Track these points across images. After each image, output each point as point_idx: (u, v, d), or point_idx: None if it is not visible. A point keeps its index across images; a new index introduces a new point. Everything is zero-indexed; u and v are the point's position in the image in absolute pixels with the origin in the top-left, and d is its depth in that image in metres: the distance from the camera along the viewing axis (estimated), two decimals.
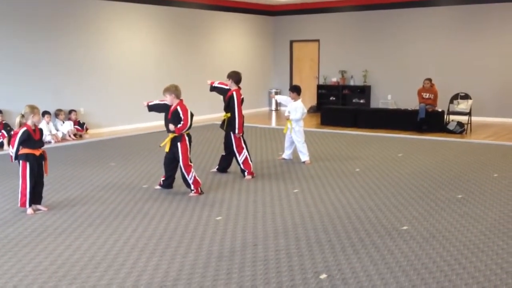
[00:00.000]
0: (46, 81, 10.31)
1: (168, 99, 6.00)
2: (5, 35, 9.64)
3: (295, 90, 7.93)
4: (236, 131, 6.79)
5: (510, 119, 12.53)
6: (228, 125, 6.90)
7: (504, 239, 4.52)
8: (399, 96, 13.84)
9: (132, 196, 5.98)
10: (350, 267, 3.90)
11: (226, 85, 6.94)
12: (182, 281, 3.67)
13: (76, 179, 6.84)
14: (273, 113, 15.15)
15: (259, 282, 3.64)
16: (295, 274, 3.77)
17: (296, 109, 7.79)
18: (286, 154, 8.11)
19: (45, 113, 9.78)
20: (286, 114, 7.94)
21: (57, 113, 10.28)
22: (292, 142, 7.99)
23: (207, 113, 13.38)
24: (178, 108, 5.94)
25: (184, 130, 5.94)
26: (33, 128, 5.28)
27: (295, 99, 7.87)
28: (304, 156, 7.85)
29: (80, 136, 10.42)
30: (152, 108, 6.24)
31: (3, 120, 9.38)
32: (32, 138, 5.23)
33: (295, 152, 8.09)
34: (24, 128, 5.21)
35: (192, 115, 6.00)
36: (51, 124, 9.97)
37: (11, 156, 5.29)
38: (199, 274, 3.80)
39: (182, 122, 5.90)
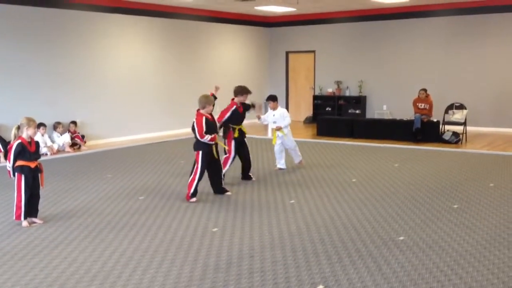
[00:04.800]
0: (42, 93, 10.30)
1: None
2: (1, 48, 9.65)
3: (275, 99, 8.18)
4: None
5: (505, 128, 12.59)
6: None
7: (500, 248, 4.52)
8: (395, 106, 13.90)
9: (128, 208, 5.96)
10: (347, 278, 3.90)
11: (227, 111, 7.16)
12: None
13: (72, 191, 6.83)
14: (269, 124, 15.13)
15: None
16: (292, 286, 3.76)
17: (282, 115, 8.07)
18: (281, 163, 8.19)
19: (40, 124, 9.75)
20: (274, 126, 8.10)
21: (56, 126, 10.24)
22: (282, 150, 8.15)
23: None
24: (194, 118, 6.29)
25: (205, 139, 6.18)
26: (29, 140, 5.26)
27: (275, 108, 8.11)
28: (298, 157, 8.20)
29: (79, 147, 10.41)
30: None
31: None
32: (27, 150, 5.22)
33: (289, 161, 8.18)
34: (19, 141, 5.19)
35: (209, 123, 6.25)
36: (46, 136, 9.92)
37: (9, 171, 5.27)
38: (195, 286, 3.78)
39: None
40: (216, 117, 6.70)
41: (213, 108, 6.53)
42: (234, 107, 7.17)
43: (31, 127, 5.24)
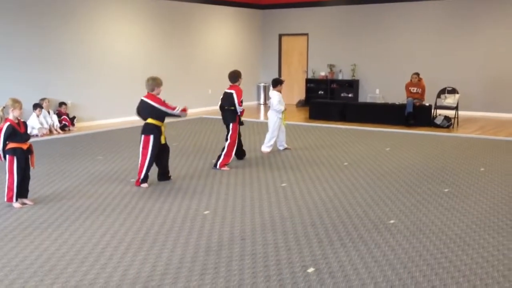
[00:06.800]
0: (35, 75, 10.19)
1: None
2: None
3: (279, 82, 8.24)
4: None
5: (497, 113, 12.64)
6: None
7: (490, 232, 4.56)
8: (387, 90, 13.89)
9: (119, 190, 5.94)
10: (337, 260, 3.92)
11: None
12: (169, 276, 3.66)
13: (63, 173, 6.79)
14: (262, 107, 15.13)
15: (247, 276, 3.64)
16: (283, 268, 3.78)
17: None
18: (282, 145, 8.33)
19: (37, 106, 9.72)
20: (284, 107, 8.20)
21: (41, 102, 10.01)
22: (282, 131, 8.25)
23: (195, 106, 13.31)
24: (144, 99, 6.21)
25: (177, 110, 6.15)
26: (16, 121, 5.21)
27: (280, 90, 8.20)
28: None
29: (69, 129, 10.33)
30: None
31: None
32: (18, 132, 5.17)
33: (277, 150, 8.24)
34: (8, 123, 5.13)
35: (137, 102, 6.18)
36: (41, 117, 9.80)
37: (0, 155, 5.22)
38: (186, 268, 3.79)
39: None
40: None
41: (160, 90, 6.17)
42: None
43: (17, 109, 5.18)
